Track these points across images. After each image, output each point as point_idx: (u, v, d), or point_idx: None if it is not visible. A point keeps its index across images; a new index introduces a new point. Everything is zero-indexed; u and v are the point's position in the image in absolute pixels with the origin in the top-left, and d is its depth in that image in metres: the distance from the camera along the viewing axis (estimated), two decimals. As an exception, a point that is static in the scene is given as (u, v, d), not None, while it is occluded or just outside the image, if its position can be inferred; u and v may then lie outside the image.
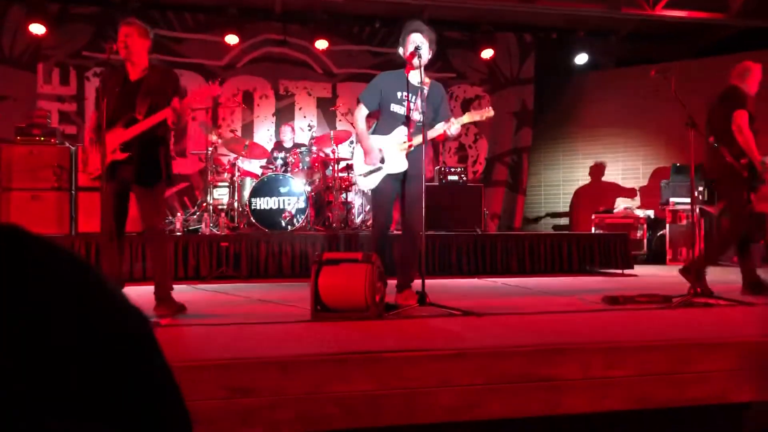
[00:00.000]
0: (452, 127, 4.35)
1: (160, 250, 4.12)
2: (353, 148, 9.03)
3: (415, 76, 4.40)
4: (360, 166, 4.57)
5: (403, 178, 4.47)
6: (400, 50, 4.55)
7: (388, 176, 4.48)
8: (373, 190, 4.58)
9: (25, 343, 0.47)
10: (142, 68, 4.17)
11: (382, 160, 4.47)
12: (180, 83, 4.32)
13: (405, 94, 4.40)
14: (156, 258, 4.13)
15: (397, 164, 4.45)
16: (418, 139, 4.39)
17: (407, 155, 4.44)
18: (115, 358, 0.51)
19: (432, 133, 4.43)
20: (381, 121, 4.56)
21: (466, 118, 4.45)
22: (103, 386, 0.49)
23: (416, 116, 4.42)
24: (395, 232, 4.87)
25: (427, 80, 4.49)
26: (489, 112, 4.45)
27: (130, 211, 4.21)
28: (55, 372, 0.47)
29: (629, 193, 10.40)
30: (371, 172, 4.51)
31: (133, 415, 0.50)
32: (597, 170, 10.80)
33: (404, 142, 4.42)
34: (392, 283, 4.36)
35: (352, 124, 8.94)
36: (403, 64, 4.54)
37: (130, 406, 0.50)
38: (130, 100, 4.07)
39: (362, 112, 4.54)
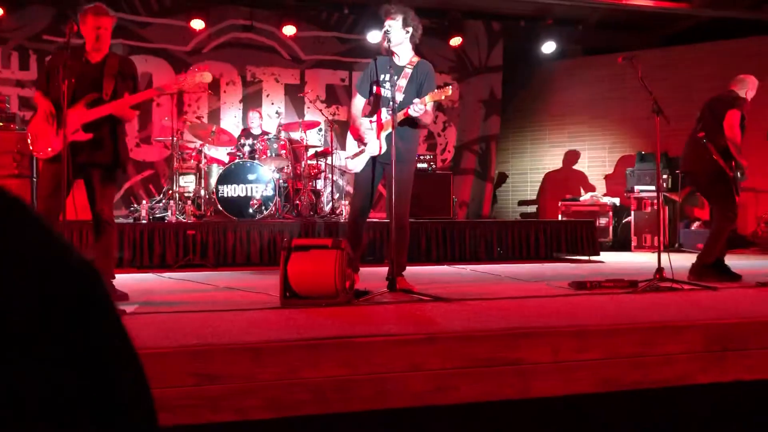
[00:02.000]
0: (414, 107, 4.27)
1: (108, 239, 4.04)
2: (323, 135, 9.01)
3: (398, 58, 4.46)
4: (349, 149, 4.67)
5: (388, 162, 4.32)
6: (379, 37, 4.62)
7: (371, 159, 4.50)
8: (356, 174, 4.63)
9: None
10: (103, 53, 4.08)
11: (365, 143, 4.51)
12: (137, 70, 4.25)
13: (385, 76, 4.40)
14: (101, 247, 4.03)
15: (375, 146, 4.45)
16: (388, 121, 4.38)
17: (385, 138, 4.41)
18: (63, 312, 0.47)
19: (400, 115, 4.37)
20: (371, 104, 4.62)
21: (428, 98, 4.33)
22: (48, 345, 0.45)
23: (398, 97, 4.41)
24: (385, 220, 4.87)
25: (414, 60, 4.51)
26: (447, 91, 4.38)
27: (78, 198, 4.07)
28: None
29: (590, 187, 10.51)
30: (357, 154, 4.56)
31: (84, 384, 0.47)
32: (564, 158, 10.92)
33: (372, 122, 4.46)
34: (370, 270, 4.34)
35: (321, 111, 8.91)
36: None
37: (80, 375, 0.47)
38: (94, 81, 3.97)
39: (358, 100, 4.67)
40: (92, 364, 0.47)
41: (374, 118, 4.49)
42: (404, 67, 4.49)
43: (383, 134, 4.42)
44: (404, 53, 4.48)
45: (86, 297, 0.49)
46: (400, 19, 4.47)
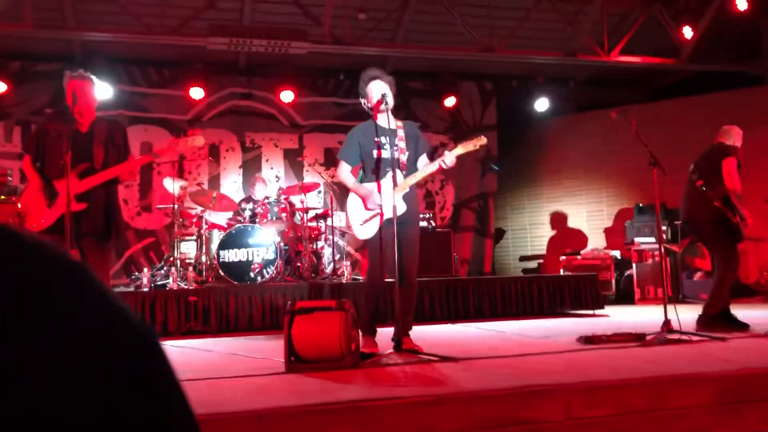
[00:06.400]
0: (447, 159, 4.33)
1: None
2: (322, 197, 9.07)
3: (385, 121, 4.44)
4: (356, 216, 4.49)
5: (399, 223, 4.31)
6: (363, 100, 4.59)
7: (387, 221, 4.36)
8: (369, 239, 4.47)
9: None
10: (90, 120, 4.14)
11: (377, 206, 4.41)
12: (127, 133, 4.31)
13: (381, 138, 4.43)
14: None
15: (390, 209, 4.33)
16: (408, 181, 4.44)
17: (403, 197, 4.43)
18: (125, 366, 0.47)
19: (429, 169, 4.46)
20: (367, 170, 4.54)
21: (460, 149, 4.40)
22: (107, 402, 0.45)
23: (402, 158, 4.45)
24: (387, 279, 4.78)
25: (399, 123, 4.55)
26: (482, 140, 4.45)
27: None
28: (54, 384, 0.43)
29: (590, 241, 10.53)
30: (368, 219, 4.43)
31: None
32: (562, 213, 10.97)
33: (374, 184, 4.41)
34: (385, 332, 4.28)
35: (319, 174, 9.00)
36: (369, 114, 4.59)
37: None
38: (84, 151, 4.01)
39: (345, 168, 4.57)
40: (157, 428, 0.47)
41: (388, 180, 4.40)
42: (396, 129, 4.49)
43: (398, 195, 4.39)
44: (391, 116, 4.50)
45: (150, 360, 0.50)
46: (390, 82, 4.56)
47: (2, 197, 6.86)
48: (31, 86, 8.93)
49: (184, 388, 0.52)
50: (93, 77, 4.21)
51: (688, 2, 8.98)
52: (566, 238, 10.68)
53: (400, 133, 4.50)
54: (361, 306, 4.54)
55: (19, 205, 4.03)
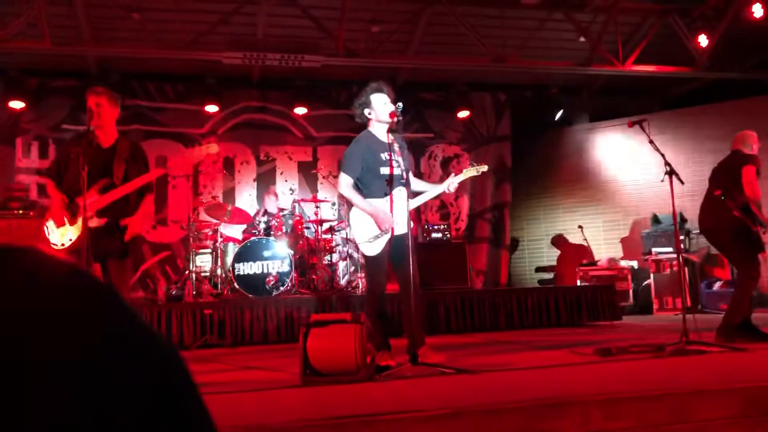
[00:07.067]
0: (451, 186, 4.55)
1: None
2: (335, 210, 9.08)
3: (384, 135, 4.44)
4: (364, 233, 4.41)
5: (401, 236, 4.32)
6: (366, 111, 4.52)
7: (395, 238, 4.35)
8: (375, 255, 4.41)
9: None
10: (113, 137, 4.18)
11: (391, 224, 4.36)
12: (148, 158, 4.35)
13: (387, 154, 4.40)
14: None
15: (403, 225, 4.34)
16: (416, 201, 4.55)
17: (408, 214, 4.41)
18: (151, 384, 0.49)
19: (435, 192, 4.64)
20: (369, 186, 4.46)
21: (463, 175, 4.61)
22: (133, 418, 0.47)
23: (398, 172, 4.44)
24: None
25: (391, 136, 4.48)
26: (483, 167, 4.69)
27: None
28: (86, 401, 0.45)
29: (607, 251, 10.44)
30: (378, 236, 4.36)
31: None
32: (578, 223, 10.88)
33: (385, 201, 4.39)
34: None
35: (334, 186, 9.01)
36: (364, 125, 4.58)
37: None
38: (105, 167, 4.05)
39: (349, 182, 4.46)
40: None
41: (396, 196, 4.39)
42: (391, 143, 4.44)
43: (404, 212, 4.35)
44: (385, 130, 4.48)
45: (174, 375, 0.51)
46: (392, 95, 4.55)
47: (20, 212, 6.92)
48: (49, 102, 9.04)
49: (205, 404, 0.52)
50: (113, 93, 4.26)
51: (703, 10, 8.92)
52: (582, 248, 10.59)
53: (396, 147, 4.46)
54: (371, 321, 4.48)
55: (45, 224, 4.07)
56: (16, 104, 8.56)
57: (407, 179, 4.44)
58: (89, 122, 4.08)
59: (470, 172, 4.63)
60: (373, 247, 4.40)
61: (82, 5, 7.86)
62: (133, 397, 0.47)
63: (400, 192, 4.41)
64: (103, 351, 0.48)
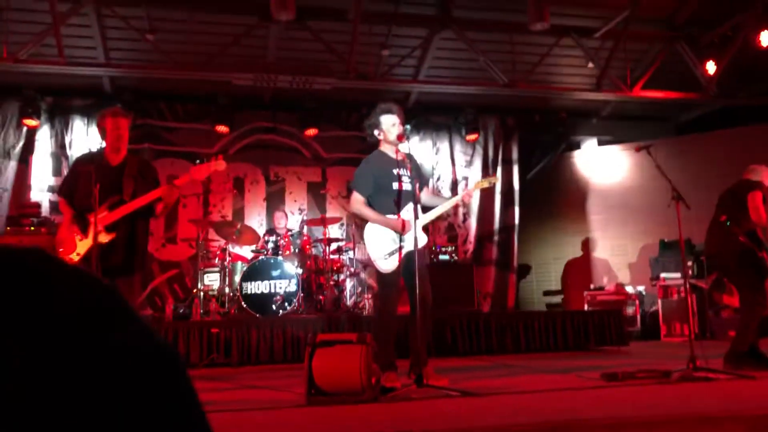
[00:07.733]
0: (467, 198, 4.67)
1: None
2: (344, 231, 9.11)
3: (394, 153, 4.54)
4: (380, 249, 4.45)
5: (413, 252, 4.31)
6: (375, 131, 4.62)
7: (406, 253, 4.39)
8: (388, 273, 4.45)
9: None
10: (122, 154, 4.25)
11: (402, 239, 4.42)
12: (158, 175, 4.42)
13: (398, 171, 4.48)
14: None
15: (419, 239, 4.33)
16: (431, 214, 4.63)
17: (423, 229, 4.46)
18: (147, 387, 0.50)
19: (449, 204, 4.73)
20: (381, 202, 4.51)
21: (476, 187, 4.86)
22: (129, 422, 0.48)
23: (409, 188, 4.50)
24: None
25: (402, 154, 4.58)
26: (494, 178, 4.84)
27: None
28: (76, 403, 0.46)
29: (614, 276, 10.41)
30: (393, 252, 4.40)
31: None
32: (586, 248, 10.87)
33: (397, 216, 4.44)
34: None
35: (343, 207, 9.06)
36: (376, 145, 4.69)
37: None
38: (115, 183, 4.11)
39: (361, 200, 4.53)
40: None
41: (408, 211, 4.43)
42: (402, 160, 4.53)
43: (418, 227, 4.38)
44: (395, 149, 4.59)
45: (175, 379, 0.52)
46: (400, 115, 4.65)
47: (32, 228, 6.99)
48: (62, 120, 9.17)
49: (204, 411, 0.54)
50: (127, 113, 4.34)
51: (710, 38, 8.98)
52: (589, 273, 10.56)
53: (407, 163, 4.55)
54: (380, 342, 4.45)
55: (56, 242, 4.13)
56: (31, 122, 8.69)
57: (418, 196, 4.49)
58: (106, 142, 4.16)
59: (483, 183, 4.87)
60: (389, 263, 4.43)
61: (97, 26, 8.01)
62: (134, 398, 0.48)
63: (411, 207, 4.45)
64: (108, 355, 0.48)
